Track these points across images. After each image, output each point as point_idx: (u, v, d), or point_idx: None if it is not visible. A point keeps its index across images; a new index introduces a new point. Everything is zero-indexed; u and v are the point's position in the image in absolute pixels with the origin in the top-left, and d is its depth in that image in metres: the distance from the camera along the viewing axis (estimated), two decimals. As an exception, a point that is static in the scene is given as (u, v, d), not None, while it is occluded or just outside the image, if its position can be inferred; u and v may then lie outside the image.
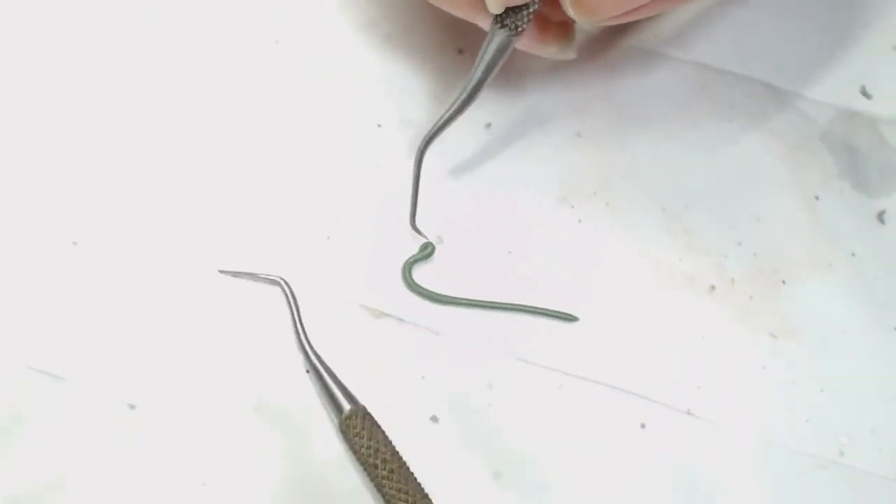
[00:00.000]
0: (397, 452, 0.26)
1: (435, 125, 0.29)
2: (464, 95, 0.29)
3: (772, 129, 0.34)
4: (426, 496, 0.26)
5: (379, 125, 0.33)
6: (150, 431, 0.27)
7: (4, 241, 0.29)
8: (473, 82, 0.29)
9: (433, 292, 0.29)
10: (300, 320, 0.28)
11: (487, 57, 0.29)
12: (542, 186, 0.32)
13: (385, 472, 0.26)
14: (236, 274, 0.29)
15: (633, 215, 0.32)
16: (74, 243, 0.29)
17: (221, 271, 0.29)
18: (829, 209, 0.33)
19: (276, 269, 0.29)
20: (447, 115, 0.29)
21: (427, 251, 0.30)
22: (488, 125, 0.33)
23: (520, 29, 0.28)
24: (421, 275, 0.30)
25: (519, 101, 0.34)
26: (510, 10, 0.28)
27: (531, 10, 0.28)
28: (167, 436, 0.27)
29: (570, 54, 0.31)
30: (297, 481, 0.27)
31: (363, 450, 0.26)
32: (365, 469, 0.26)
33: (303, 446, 0.27)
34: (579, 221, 0.32)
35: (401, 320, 0.29)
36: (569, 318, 0.30)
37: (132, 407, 0.27)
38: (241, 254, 0.30)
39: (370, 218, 0.31)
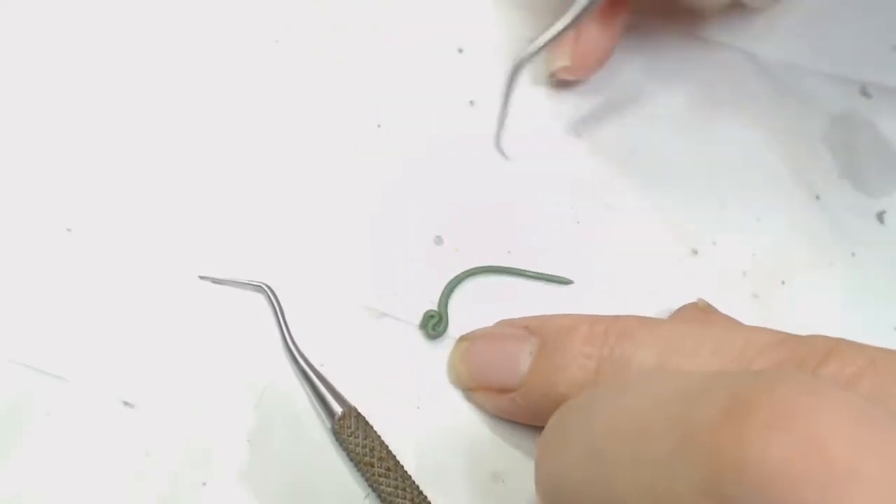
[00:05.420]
0: (392, 452, 0.26)
1: (535, 45, 0.28)
2: (573, 15, 0.27)
3: (772, 130, 0.34)
4: (423, 494, 0.26)
5: (379, 125, 0.33)
6: (149, 431, 0.27)
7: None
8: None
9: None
10: (286, 325, 0.28)
11: None
12: (542, 186, 0.32)
13: (381, 471, 0.26)
14: (218, 281, 0.29)
15: (632, 215, 0.32)
16: (69, 230, 0.29)
17: (202, 277, 0.29)
18: (829, 209, 0.33)
19: (274, 270, 0.29)
20: (555, 31, 0.28)
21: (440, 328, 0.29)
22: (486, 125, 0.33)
23: None
24: (421, 276, 0.30)
25: (518, 102, 0.34)
26: None
27: None
28: (167, 435, 0.27)
29: None
30: (294, 483, 0.27)
31: (358, 450, 0.26)
32: (360, 469, 0.26)
33: (299, 448, 0.27)
34: (579, 222, 0.32)
35: (401, 320, 0.29)
36: (564, 281, 0.30)
37: (129, 405, 0.27)
38: (240, 254, 0.30)
39: (370, 218, 0.31)
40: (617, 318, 0.25)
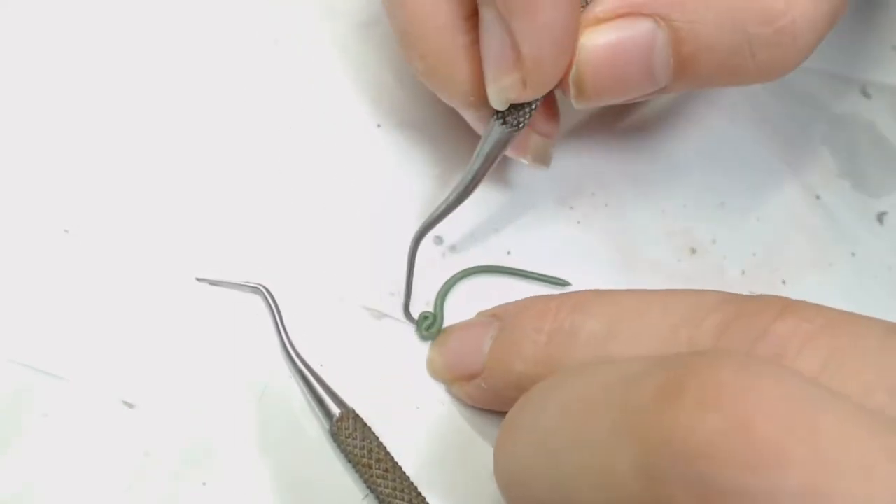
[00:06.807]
0: (389, 453, 0.26)
1: (430, 217, 0.28)
2: (460, 189, 0.28)
3: (772, 130, 0.34)
4: (421, 496, 0.26)
5: (379, 125, 0.33)
6: (149, 431, 0.27)
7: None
8: (471, 176, 0.27)
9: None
10: (283, 327, 0.28)
11: (485, 151, 0.27)
12: (542, 187, 0.32)
13: (380, 472, 0.26)
14: (214, 283, 0.29)
15: (632, 216, 0.32)
16: (66, 231, 0.29)
17: (199, 279, 0.29)
18: (829, 209, 0.33)
19: (274, 271, 0.29)
20: (443, 207, 0.28)
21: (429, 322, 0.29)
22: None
23: (521, 125, 0.27)
24: (420, 276, 0.30)
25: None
26: (512, 107, 0.26)
27: (533, 107, 0.26)
28: (167, 435, 0.27)
29: (544, 166, 0.30)
30: (293, 484, 0.27)
31: (356, 451, 0.26)
32: (358, 471, 0.26)
33: (298, 449, 0.27)
34: (578, 222, 0.32)
35: (399, 321, 0.29)
36: (562, 282, 0.30)
37: (129, 405, 0.27)
38: (240, 254, 0.30)
39: (370, 218, 0.31)
40: (571, 293, 0.26)
